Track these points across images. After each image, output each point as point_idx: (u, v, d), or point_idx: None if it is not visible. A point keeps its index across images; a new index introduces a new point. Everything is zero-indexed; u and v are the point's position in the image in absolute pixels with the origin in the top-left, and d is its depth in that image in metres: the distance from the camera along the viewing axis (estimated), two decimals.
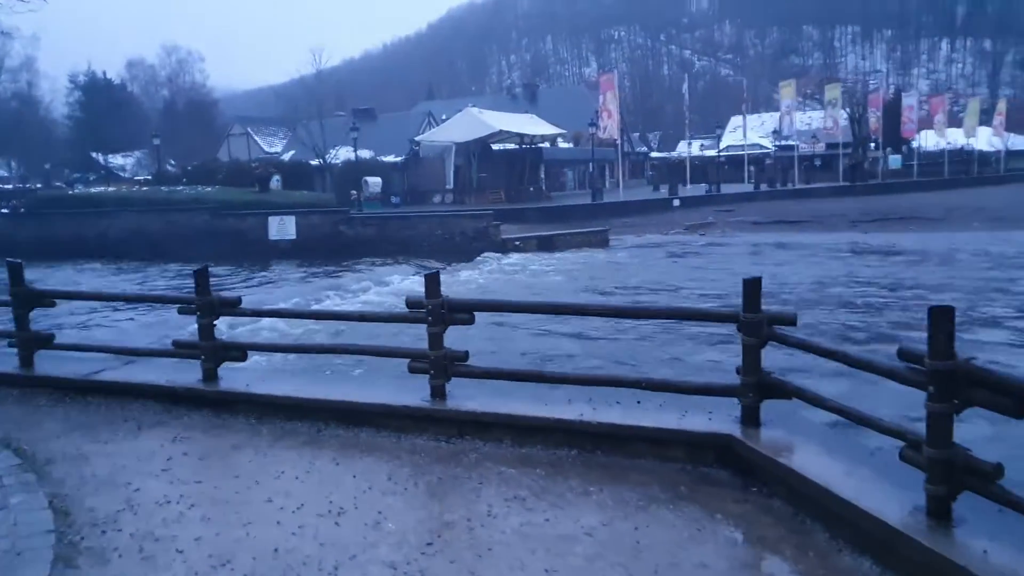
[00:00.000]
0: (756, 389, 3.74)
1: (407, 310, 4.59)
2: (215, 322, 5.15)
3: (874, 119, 48.56)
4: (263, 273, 21.63)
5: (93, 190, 34.08)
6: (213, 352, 5.18)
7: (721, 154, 57.63)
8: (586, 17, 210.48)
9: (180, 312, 5.33)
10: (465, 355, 4.50)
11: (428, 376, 4.51)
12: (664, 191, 41.76)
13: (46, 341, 5.96)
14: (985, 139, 56.56)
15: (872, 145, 55.50)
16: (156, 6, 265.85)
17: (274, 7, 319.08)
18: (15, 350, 5.91)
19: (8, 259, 5.80)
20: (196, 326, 5.17)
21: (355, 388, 4.99)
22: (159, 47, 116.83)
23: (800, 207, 31.21)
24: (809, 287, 15.11)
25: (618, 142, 40.11)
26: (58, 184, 48.84)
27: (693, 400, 4.11)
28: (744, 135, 49.95)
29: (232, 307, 5.16)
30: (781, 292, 14.28)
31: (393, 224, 25.44)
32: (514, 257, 21.82)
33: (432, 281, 4.41)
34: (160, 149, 37.54)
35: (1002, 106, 58.10)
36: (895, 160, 53.17)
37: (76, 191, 35.01)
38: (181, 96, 77.16)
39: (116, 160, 63.58)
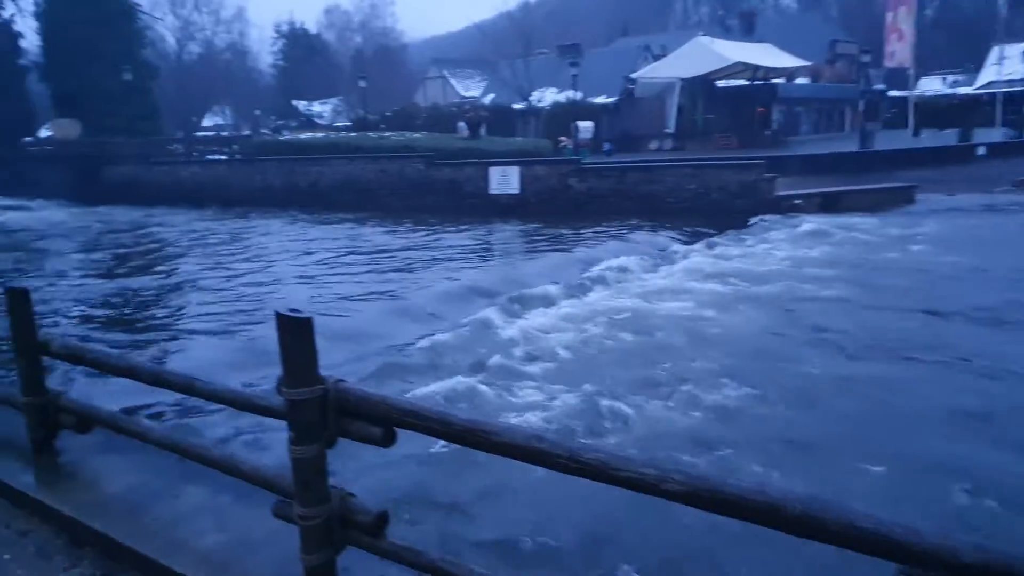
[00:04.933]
0: None
1: None
2: None
3: None
4: (489, 237, 18.55)
5: (303, 136, 32.93)
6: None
7: (982, 91, 47.97)
8: None
9: None
10: None
11: None
12: (928, 136, 34.55)
13: None
14: None
15: None
16: None
17: None
18: None
19: None
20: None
21: None
22: None
23: None
24: None
25: (910, 72, 33.13)
26: (264, 131, 49.36)
27: None
28: None
29: None
30: None
31: (632, 176, 21.38)
32: (808, 221, 16.99)
33: None
34: (365, 93, 35.80)
35: None
36: None
37: (285, 137, 34.10)
38: (372, 42, 76.92)
39: (315, 107, 64.23)
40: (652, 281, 11.95)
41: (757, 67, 33.58)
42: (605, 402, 6.25)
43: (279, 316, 2.52)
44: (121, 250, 18.32)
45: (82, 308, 11.12)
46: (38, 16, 40.41)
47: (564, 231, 17.79)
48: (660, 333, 8.67)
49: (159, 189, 30.66)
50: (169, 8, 59.58)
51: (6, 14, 40.75)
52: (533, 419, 6.00)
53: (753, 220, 17.82)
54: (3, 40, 40.38)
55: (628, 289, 11.36)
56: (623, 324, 9.10)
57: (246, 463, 3.07)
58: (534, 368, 7.44)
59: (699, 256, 13.93)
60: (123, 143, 34.92)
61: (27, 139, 39.93)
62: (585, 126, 34.76)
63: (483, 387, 6.71)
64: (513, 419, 5.91)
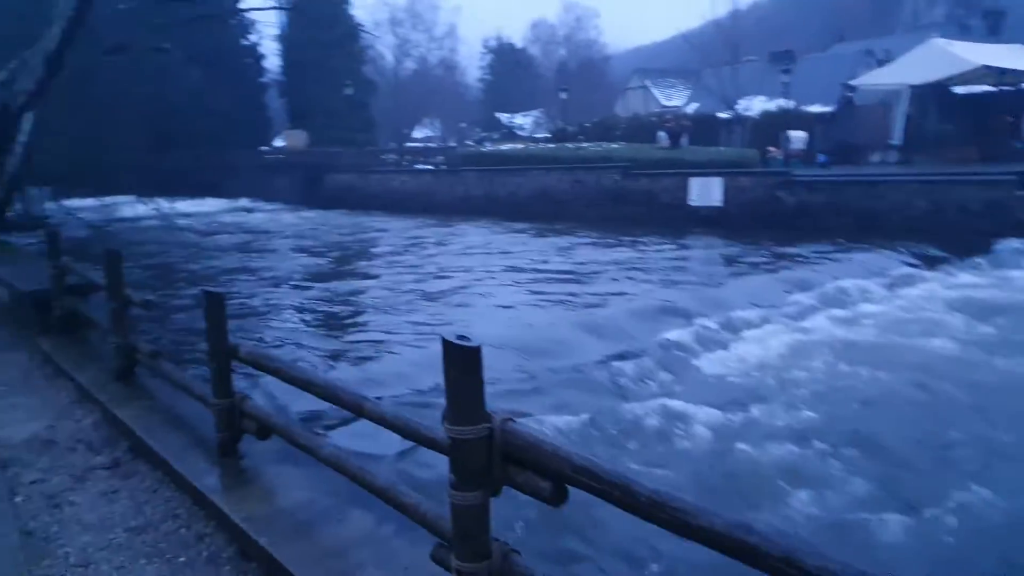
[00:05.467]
0: None
1: None
2: None
3: None
4: (688, 251, 17.66)
5: (503, 147, 33.80)
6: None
7: None
8: None
9: None
10: None
11: None
12: None
13: None
14: None
15: None
16: None
17: None
18: None
19: None
20: None
21: None
22: (559, 5, 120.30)
23: None
24: None
25: None
26: (468, 142, 51.45)
27: None
28: None
29: None
30: None
31: (851, 191, 19.48)
32: None
33: None
34: (566, 105, 36.03)
35: None
36: None
37: (487, 149, 35.19)
38: (576, 55, 77.69)
39: (517, 119, 66.02)
40: (888, 311, 10.50)
41: (1004, 71, 29.48)
42: (902, 472, 4.96)
43: (445, 343, 2.22)
44: (343, 252, 19.67)
45: (299, 309, 11.77)
46: (280, 39, 45.09)
47: (772, 247, 16.51)
48: (920, 377, 7.06)
49: (372, 196, 32.83)
50: (389, 27, 64.06)
51: (253, 38, 45.86)
52: (802, 504, 4.66)
53: (1001, 244, 15.46)
54: (249, 61, 45.48)
55: (858, 319, 10.03)
56: (864, 362, 7.70)
57: (409, 495, 2.81)
58: (765, 415, 6.24)
59: (941, 284, 12.19)
60: (342, 153, 37.90)
61: (264, 148, 44.60)
62: (797, 136, 32.50)
63: (698, 434, 5.77)
64: (766, 488, 4.78)
